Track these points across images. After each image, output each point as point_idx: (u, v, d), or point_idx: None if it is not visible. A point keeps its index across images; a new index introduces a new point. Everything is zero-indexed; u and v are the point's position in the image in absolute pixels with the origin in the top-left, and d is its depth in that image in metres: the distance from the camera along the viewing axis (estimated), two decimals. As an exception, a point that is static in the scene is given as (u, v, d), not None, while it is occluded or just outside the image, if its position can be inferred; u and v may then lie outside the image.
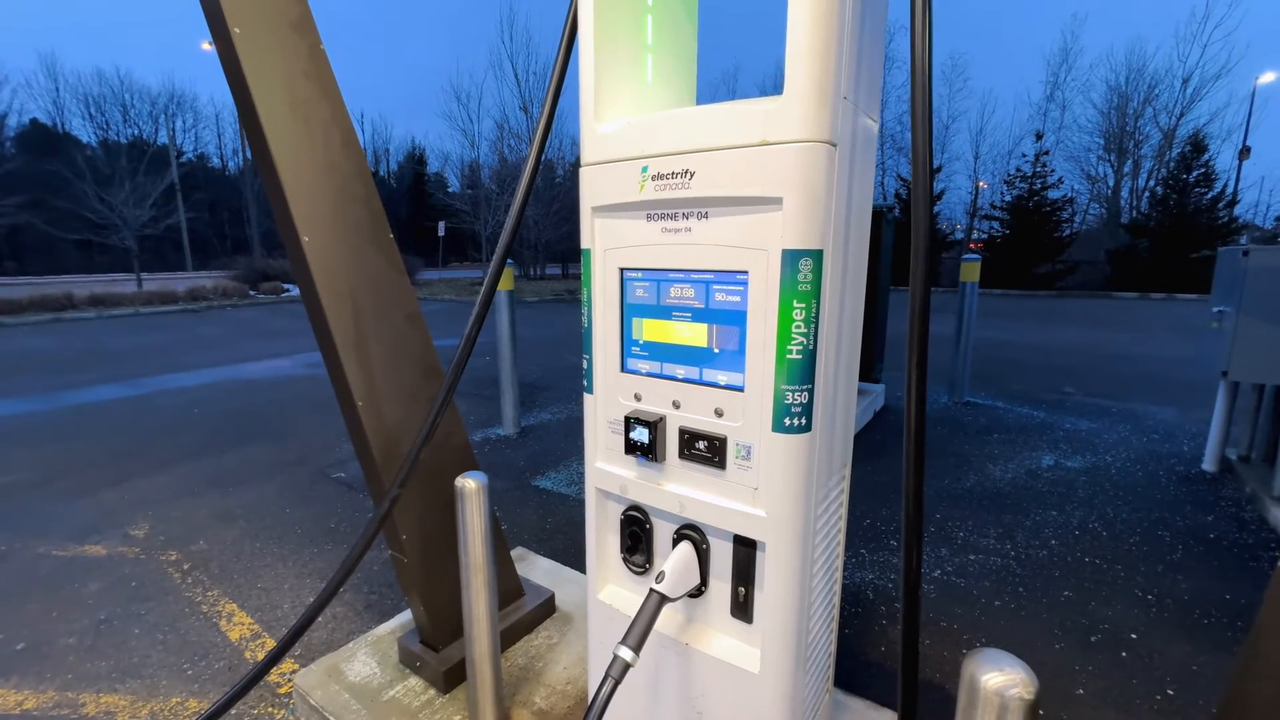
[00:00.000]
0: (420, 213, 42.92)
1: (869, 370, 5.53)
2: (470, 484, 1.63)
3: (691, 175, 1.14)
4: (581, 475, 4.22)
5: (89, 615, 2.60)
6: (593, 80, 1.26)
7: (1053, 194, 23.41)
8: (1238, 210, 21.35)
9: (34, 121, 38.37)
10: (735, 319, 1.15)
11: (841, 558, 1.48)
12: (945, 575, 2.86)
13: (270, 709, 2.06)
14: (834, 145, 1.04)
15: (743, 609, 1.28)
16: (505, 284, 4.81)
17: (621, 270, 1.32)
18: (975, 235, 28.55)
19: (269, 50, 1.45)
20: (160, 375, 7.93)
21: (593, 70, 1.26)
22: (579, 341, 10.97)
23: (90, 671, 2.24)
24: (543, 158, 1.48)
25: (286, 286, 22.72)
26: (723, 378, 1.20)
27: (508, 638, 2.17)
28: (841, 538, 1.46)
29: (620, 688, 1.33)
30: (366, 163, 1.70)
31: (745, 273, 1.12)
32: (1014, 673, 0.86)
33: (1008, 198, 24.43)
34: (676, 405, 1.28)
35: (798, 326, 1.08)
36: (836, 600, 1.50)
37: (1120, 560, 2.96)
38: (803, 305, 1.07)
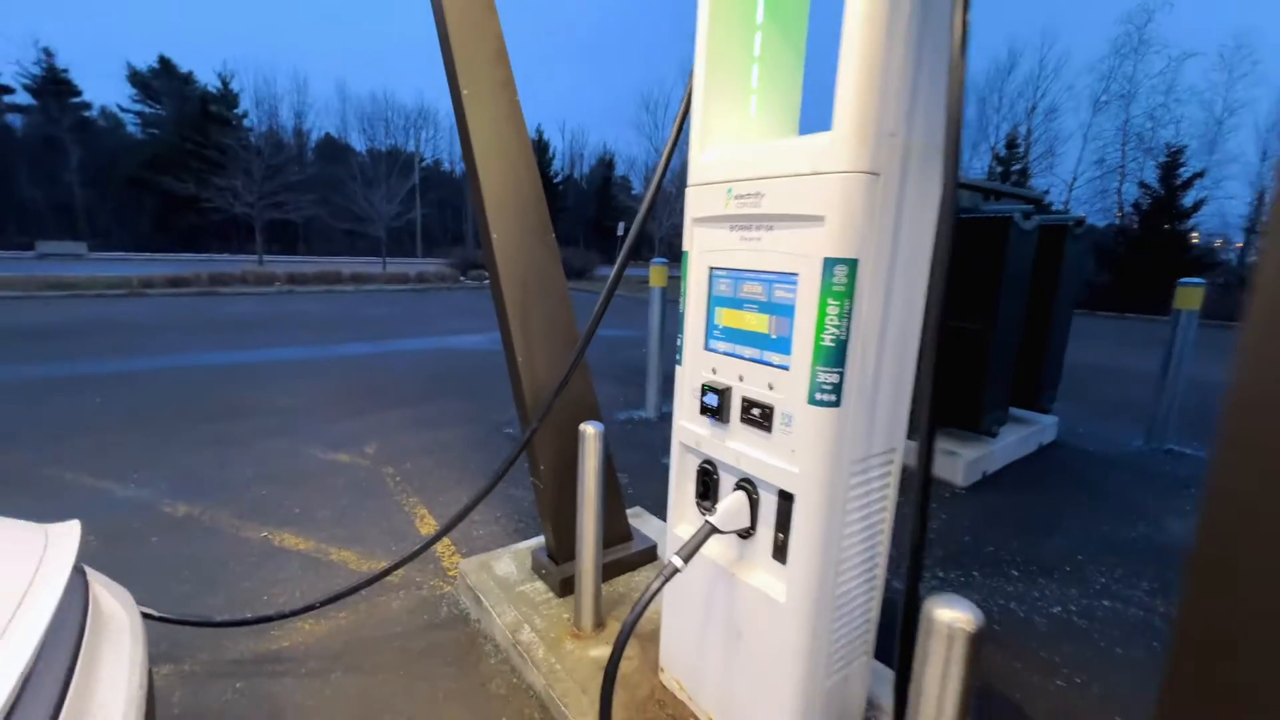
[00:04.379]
0: (605, 213, 46.33)
1: (1035, 399, 5.04)
2: (590, 429, 2.10)
3: (762, 196, 1.45)
4: (707, 460, 4.57)
5: (336, 500, 3.63)
6: (700, 121, 1.63)
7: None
8: None
9: (327, 135, 49.02)
10: (788, 311, 1.44)
11: (889, 536, 1.66)
12: (1065, 611, 2.69)
13: (441, 582, 2.76)
14: (876, 175, 1.28)
15: (780, 552, 1.56)
16: (658, 281, 5.32)
17: (710, 269, 1.66)
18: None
19: (484, 103, 2.05)
20: (393, 340, 9.94)
21: (701, 113, 1.62)
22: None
23: (335, 535, 3.18)
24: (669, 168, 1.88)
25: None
26: (776, 359, 1.48)
27: (614, 569, 2.62)
28: (889, 517, 1.64)
29: (681, 606, 1.71)
30: (539, 178, 2.25)
31: (796, 274, 1.40)
32: (962, 611, 1.07)
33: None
34: (741, 378, 1.59)
35: (832, 320, 1.33)
36: (880, 574, 1.68)
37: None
38: (837, 302, 1.32)
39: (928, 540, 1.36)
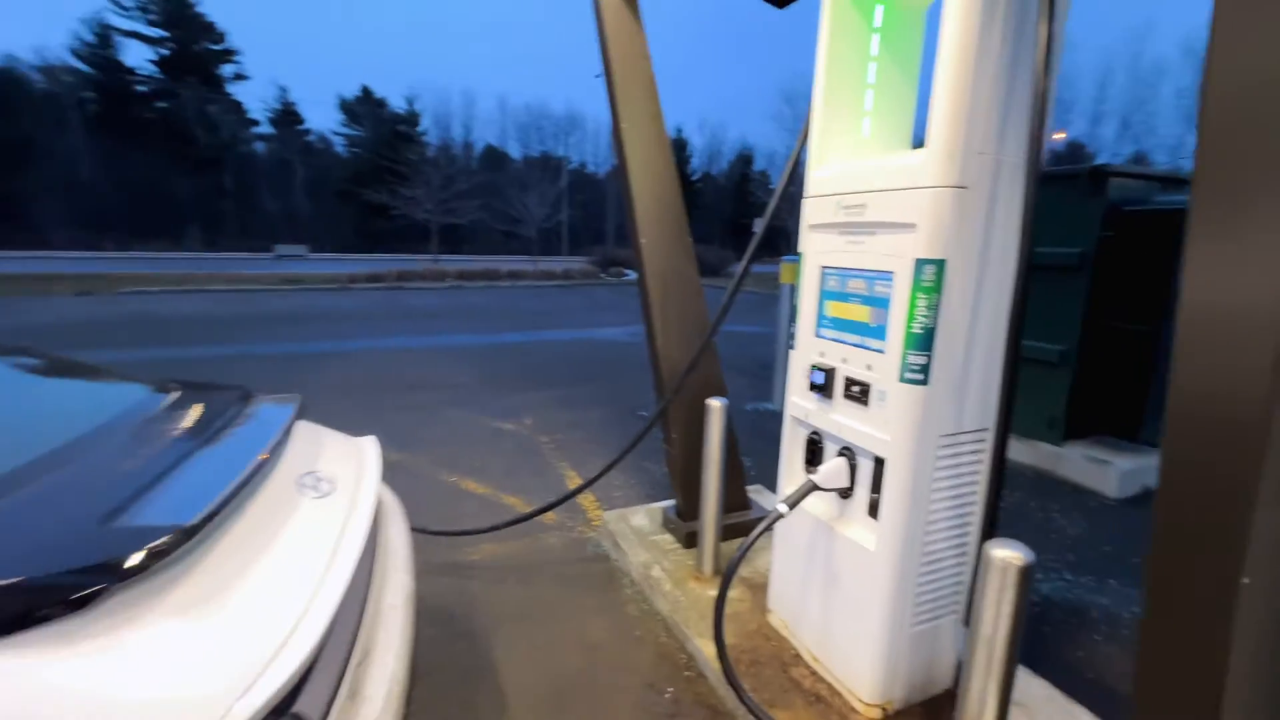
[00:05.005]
0: (742, 210, 46.12)
1: (1134, 428, 4.26)
2: (714, 404, 2.49)
3: (865, 207, 1.72)
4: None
5: (504, 458, 4.39)
6: (817, 142, 1.93)
7: None
8: None
9: (488, 145, 54.35)
10: (884, 304, 1.70)
11: (979, 509, 1.83)
12: None
13: (586, 529, 3.32)
14: (964, 188, 1.51)
15: (874, 509, 1.82)
16: (789, 278, 5.52)
17: (822, 268, 1.96)
18: None
19: (638, 132, 2.51)
20: (543, 330, 11.07)
21: (818, 135, 1.93)
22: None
23: (504, 484, 3.90)
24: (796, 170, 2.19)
25: (626, 271, 27.46)
26: (874, 344, 1.75)
27: (732, 532, 2.97)
28: (979, 491, 1.82)
29: (788, 555, 2.03)
30: (679, 190, 2.67)
31: (892, 272, 1.66)
32: (1015, 551, 1.31)
33: None
34: (845, 360, 1.87)
35: (921, 311, 1.58)
36: (971, 542, 1.86)
37: None
38: (926, 296, 1.57)
39: (1000, 505, 1.54)
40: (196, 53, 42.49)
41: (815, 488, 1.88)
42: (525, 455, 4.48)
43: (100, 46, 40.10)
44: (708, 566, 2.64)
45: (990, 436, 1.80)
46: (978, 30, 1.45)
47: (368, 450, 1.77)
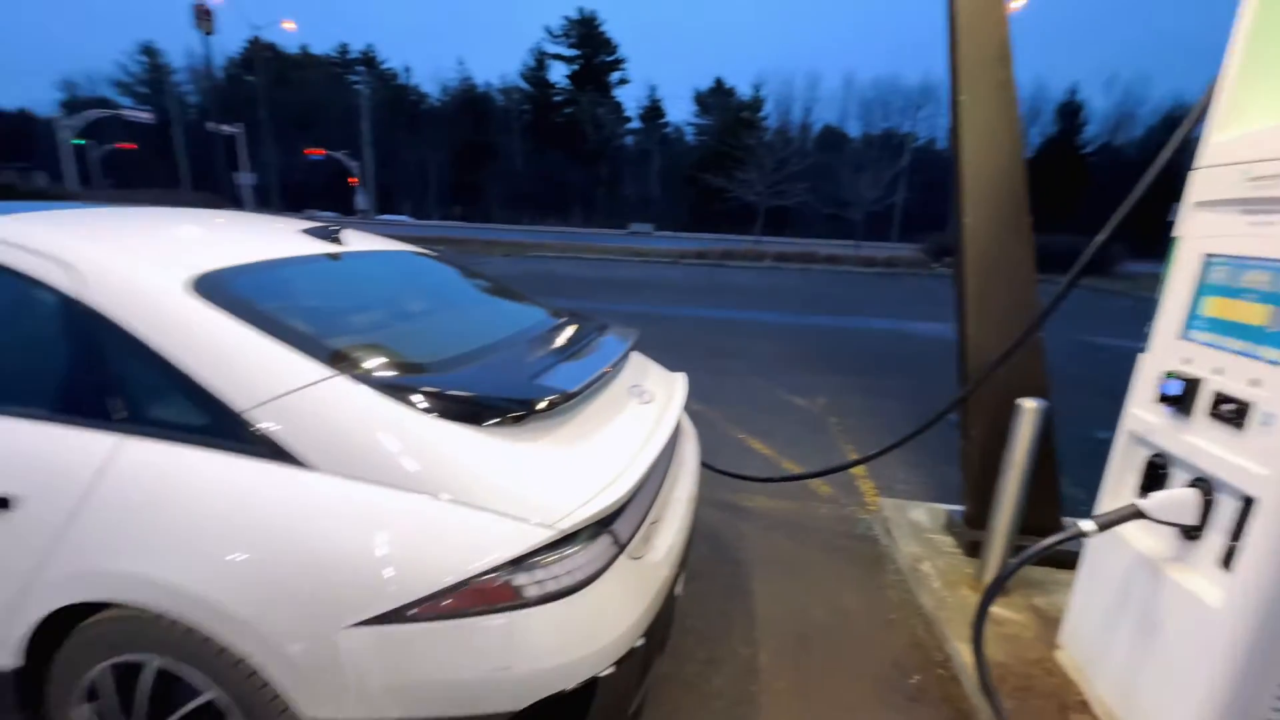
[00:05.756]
0: (1160, 190, 34.94)
1: None
2: (1028, 404, 2.23)
3: (1286, 177, 1.34)
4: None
5: (790, 429, 4.60)
6: (1226, 98, 1.54)
7: None
8: None
9: (826, 125, 53.14)
10: (1296, 303, 1.32)
11: None
12: None
13: (860, 510, 3.32)
14: None
15: (1228, 560, 1.45)
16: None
17: (1206, 255, 1.58)
18: None
19: (980, 106, 2.33)
20: (854, 316, 10.73)
21: (1230, 88, 1.54)
22: None
23: (786, 451, 4.13)
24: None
25: (965, 263, 23.95)
26: (1268, 354, 1.37)
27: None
28: None
29: (1095, 589, 1.80)
30: (1023, 169, 2.37)
31: (1315, 263, 1.27)
32: None
33: None
34: (1219, 371, 1.51)
35: (1355, 314, 1.19)
36: None
37: None
38: (1368, 296, 1.18)
39: None
40: (596, 65, 52.44)
41: (1140, 515, 1.58)
42: (811, 430, 4.61)
43: (536, 69, 52.98)
44: (990, 578, 2.41)
45: None
46: None
47: (678, 382, 2.21)
